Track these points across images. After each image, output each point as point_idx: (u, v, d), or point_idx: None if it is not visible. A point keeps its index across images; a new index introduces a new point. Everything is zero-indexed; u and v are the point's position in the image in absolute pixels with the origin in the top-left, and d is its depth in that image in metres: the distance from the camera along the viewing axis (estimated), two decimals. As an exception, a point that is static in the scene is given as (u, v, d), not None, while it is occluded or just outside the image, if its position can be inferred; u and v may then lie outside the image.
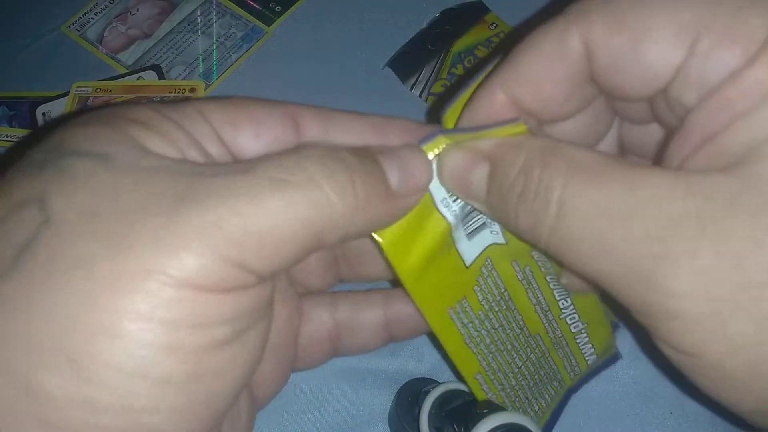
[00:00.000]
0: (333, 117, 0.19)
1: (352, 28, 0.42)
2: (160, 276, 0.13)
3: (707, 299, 0.15)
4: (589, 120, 0.20)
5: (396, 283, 0.21)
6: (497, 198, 0.18)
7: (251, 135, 0.18)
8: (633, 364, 0.32)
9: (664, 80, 0.16)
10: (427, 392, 0.28)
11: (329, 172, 0.15)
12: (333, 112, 0.19)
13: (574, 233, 0.16)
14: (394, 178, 0.17)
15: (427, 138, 0.19)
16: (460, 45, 0.41)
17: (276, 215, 0.14)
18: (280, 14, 0.42)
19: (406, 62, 0.40)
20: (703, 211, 0.15)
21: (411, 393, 0.30)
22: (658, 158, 0.19)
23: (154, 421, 0.14)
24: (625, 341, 0.32)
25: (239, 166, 0.15)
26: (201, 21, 0.42)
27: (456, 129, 0.20)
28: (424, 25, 0.41)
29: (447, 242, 0.21)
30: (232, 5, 0.42)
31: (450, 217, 0.20)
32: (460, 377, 0.25)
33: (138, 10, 0.43)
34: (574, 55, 0.17)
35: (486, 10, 0.42)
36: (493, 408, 0.26)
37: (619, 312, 0.30)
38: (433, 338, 0.31)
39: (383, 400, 0.31)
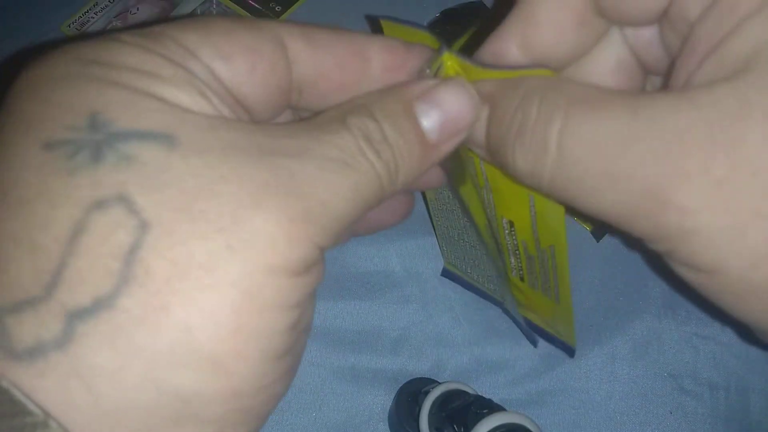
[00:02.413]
0: (318, 38, 0.18)
1: (352, 27, 0.42)
2: (282, 270, 0.14)
3: (725, 211, 0.14)
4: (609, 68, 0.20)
5: None
6: (495, 139, 0.18)
7: (247, 68, 0.16)
8: (633, 364, 0.32)
9: None
10: (427, 392, 0.28)
11: (377, 153, 0.16)
12: (317, 32, 0.18)
13: (578, 167, 0.16)
14: (434, 131, 0.18)
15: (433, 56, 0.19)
16: (460, 45, 0.41)
17: (348, 201, 0.15)
18: (280, 14, 0.42)
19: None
20: (711, 120, 0.14)
21: (411, 393, 0.30)
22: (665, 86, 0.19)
23: (280, 388, 0.15)
24: (625, 341, 0.32)
25: (294, 138, 0.15)
26: (201, 21, 0.42)
27: (472, 59, 0.19)
28: (425, 25, 0.41)
29: None
30: (233, 5, 0.42)
31: None
32: None
33: (138, 10, 0.42)
34: None
35: (486, 10, 0.42)
36: (493, 408, 0.26)
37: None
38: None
39: (383, 400, 0.31)
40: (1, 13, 0.43)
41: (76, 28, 0.42)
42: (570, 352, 0.30)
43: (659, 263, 0.17)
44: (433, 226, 0.29)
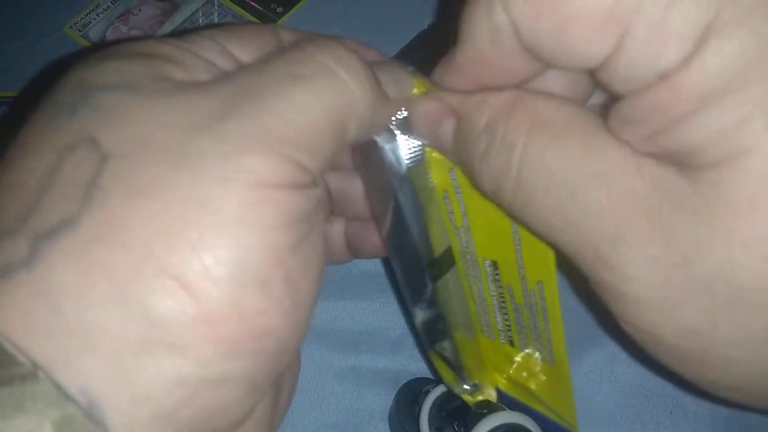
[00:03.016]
0: (301, 35, 0.19)
1: (352, 29, 0.42)
2: (239, 182, 0.14)
3: (659, 287, 0.14)
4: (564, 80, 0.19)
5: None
6: (463, 154, 0.18)
7: (255, 46, 0.18)
8: (633, 364, 0.32)
9: (592, 66, 0.15)
10: (427, 392, 0.28)
11: (339, 59, 0.16)
12: (302, 33, 0.20)
13: (534, 198, 0.16)
14: (387, 84, 0.18)
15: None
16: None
17: (306, 109, 0.15)
18: (281, 15, 0.42)
19: (406, 62, 0.40)
20: (652, 198, 0.14)
21: (411, 393, 0.30)
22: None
23: (269, 322, 0.14)
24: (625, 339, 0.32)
25: (250, 70, 0.16)
26: (202, 22, 0.42)
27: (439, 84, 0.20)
28: (425, 26, 0.41)
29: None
30: (234, 6, 0.42)
31: None
32: None
33: (140, 11, 0.43)
34: (507, 36, 0.16)
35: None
36: (493, 408, 0.26)
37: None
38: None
39: (383, 400, 0.31)
40: (3, 14, 0.43)
41: (78, 29, 0.42)
42: None
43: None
44: None
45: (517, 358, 0.25)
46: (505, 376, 0.26)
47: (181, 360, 0.13)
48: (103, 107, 0.15)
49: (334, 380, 0.32)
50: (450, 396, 0.28)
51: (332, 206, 0.23)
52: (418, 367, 0.32)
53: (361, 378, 0.32)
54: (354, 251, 0.25)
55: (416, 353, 0.32)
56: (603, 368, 0.32)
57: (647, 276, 0.15)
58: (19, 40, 0.42)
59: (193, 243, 0.13)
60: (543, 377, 0.24)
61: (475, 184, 0.18)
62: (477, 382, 0.27)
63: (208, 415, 0.14)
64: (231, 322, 0.14)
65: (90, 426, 0.13)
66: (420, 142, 0.20)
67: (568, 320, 0.33)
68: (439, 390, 0.28)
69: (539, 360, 0.24)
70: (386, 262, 0.35)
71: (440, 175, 0.21)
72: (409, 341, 0.33)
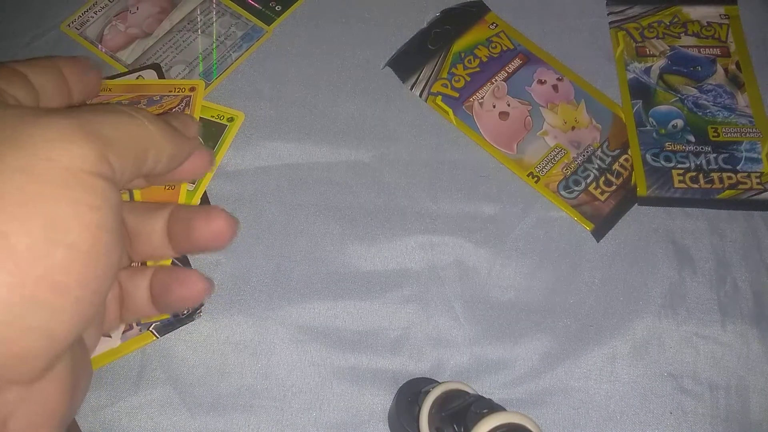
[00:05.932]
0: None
1: (352, 27, 0.42)
2: (60, 161, 0.16)
3: None
4: None
5: None
6: None
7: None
8: (633, 364, 0.32)
9: None
10: (427, 392, 0.28)
11: (133, 109, 0.20)
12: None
13: None
14: (178, 126, 0.21)
15: None
16: (460, 44, 0.41)
17: (114, 124, 0.18)
18: (280, 13, 0.42)
19: (407, 62, 0.40)
20: None
21: (411, 393, 0.30)
22: None
23: (69, 281, 0.17)
24: (625, 341, 0.32)
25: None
26: (201, 20, 0.42)
27: None
28: (425, 24, 0.41)
29: None
30: (232, 4, 0.42)
31: None
32: None
33: (138, 9, 0.42)
34: None
35: (486, 9, 0.42)
36: (493, 408, 0.26)
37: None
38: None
39: (383, 400, 0.31)
40: (1, 12, 0.43)
41: (76, 27, 0.42)
42: None
43: None
44: None
45: None
46: None
47: None
48: None
49: (334, 380, 0.32)
50: (450, 396, 0.28)
51: (130, 248, 0.25)
52: (418, 367, 0.32)
53: (361, 378, 0.32)
54: (160, 304, 0.26)
55: (416, 353, 0.32)
56: (603, 368, 0.32)
57: None
58: (15, 38, 0.42)
59: (15, 201, 0.16)
60: None
61: None
62: None
63: (8, 362, 0.16)
64: (38, 272, 0.16)
65: None
66: None
67: (567, 320, 0.33)
68: (439, 390, 0.28)
69: None
70: (385, 262, 0.35)
71: None
72: (409, 341, 0.33)
